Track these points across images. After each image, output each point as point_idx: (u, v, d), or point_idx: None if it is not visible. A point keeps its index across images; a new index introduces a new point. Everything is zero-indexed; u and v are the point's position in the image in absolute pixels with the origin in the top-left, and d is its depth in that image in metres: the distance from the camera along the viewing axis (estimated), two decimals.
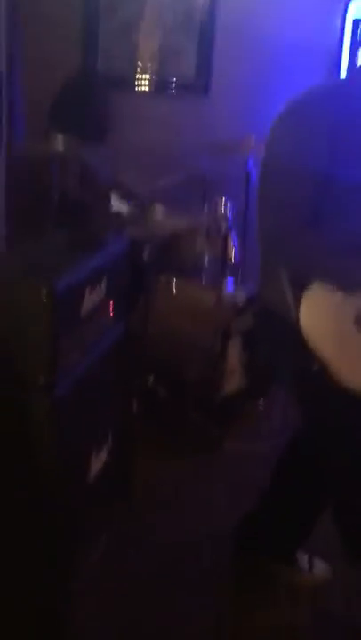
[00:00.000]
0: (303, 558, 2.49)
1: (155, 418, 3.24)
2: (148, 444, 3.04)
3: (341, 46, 4.13)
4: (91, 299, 2.16)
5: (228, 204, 3.67)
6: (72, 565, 2.15)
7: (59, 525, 2.02)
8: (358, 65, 4.10)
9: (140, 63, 4.32)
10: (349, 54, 4.13)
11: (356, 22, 4.09)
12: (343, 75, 4.14)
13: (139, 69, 4.33)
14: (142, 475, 2.82)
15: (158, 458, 3.08)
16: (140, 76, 4.34)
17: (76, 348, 2.05)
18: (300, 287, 1.86)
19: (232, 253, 3.67)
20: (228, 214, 3.67)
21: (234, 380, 3.40)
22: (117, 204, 3.84)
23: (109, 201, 3.73)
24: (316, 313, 1.85)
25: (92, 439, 2.28)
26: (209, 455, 3.17)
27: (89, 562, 2.31)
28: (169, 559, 2.51)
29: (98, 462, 2.30)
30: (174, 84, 4.35)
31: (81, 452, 2.19)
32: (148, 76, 4.34)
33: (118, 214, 3.73)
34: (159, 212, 3.36)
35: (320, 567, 2.50)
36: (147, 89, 4.34)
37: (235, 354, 3.38)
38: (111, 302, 2.35)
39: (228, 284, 3.53)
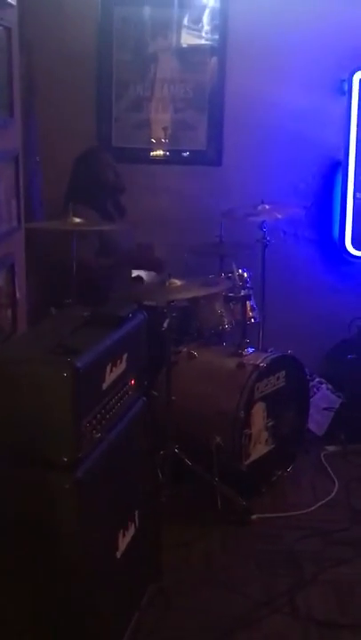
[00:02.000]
0: None
1: (181, 489, 3.20)
2: (176, 518, 3.00)
3: (350, 109, 4.20)
4: (112, 374, 2.17)
5: (245, 269, 3.71)
6: None
7: (87, 609, 1.98)
8: None
9: (153, 136, 4.45)
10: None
11: None
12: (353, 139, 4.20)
13: (153, 142, 4.45)
14: (170, 551, 2.76)
15: (186, 532, 3.03)
16: (154, 149, 4.46)
17: (98, 425, 2.05)
18: None
19: (252, 314, 3.69)
20: (246, 278, 3.70)
21: (260, 447, 3.36)
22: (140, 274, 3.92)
23: (130, 273, 3.80)
24: None
25: (119, 516, 2.26)
26: (238, 528, 3.11)
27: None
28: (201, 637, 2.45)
29: (125, 540, 2.27)
30: (187, 156, 4.45)
31: (107, 531, 2.16)
32: (161, 149, 4.46)
33: (140, 282, 3.79)
34: (177, 281, 3.38)
35: None
36: (161, 160, 4.45)
37: (259, 419, 3.36)
38: (132, 375, 2.36)
39: (250, 348, 3.53)
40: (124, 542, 2.26)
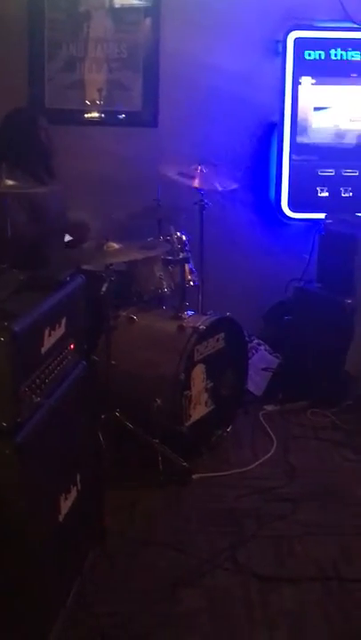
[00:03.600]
0: None
1: (122, 452, 3.22)
2: (118, 480, 3.02)
3: (284, 70, 4.20)
4: (51, 338, 2.15)
5: (183, 232, 3.71)
6: (45, 611, 2.11)
7: (29, 571, 1.98)
8: None
9: (87, 98, 4.37)
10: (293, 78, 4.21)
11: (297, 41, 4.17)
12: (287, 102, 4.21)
13: (87, 103, 4.37)
14: (113, 512, 2.78)
15: (128, 493, 3.05)
16: (89, 110, 4.38)
17: (37, 390, 2.04)
18: None
19: (191, 278, 3.70)
20: (184, 241, 3.70)
21: (200, 408, 3.40)
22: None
23: (63, 237, 3.74)
24: None
25: (60, 480, 2.26)
26: (179, 488, 3.14)
27: (62, 606, 2.28)
28: (145, 601, 2.48)
29: (67, 504, 2.28)
30: (123, 117, 4.39)
31: (49, 495, 2.16)
32: (96, 110, 4.39)
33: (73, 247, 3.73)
34: (115, 243, 3.35)
35: None
36: (96, 122, 4.38)
37: (199, 381, 3.39)
38: (72, 339, 2.35)
39: (189, 311, 3.55)
40: (66, 506, 2.27)
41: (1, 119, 3.79)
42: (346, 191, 4.33)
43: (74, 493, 2.35)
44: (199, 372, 3.37)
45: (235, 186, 3.95)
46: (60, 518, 2.23)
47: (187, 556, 2.70)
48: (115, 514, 2.83)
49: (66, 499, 2.27)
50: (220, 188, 3.87)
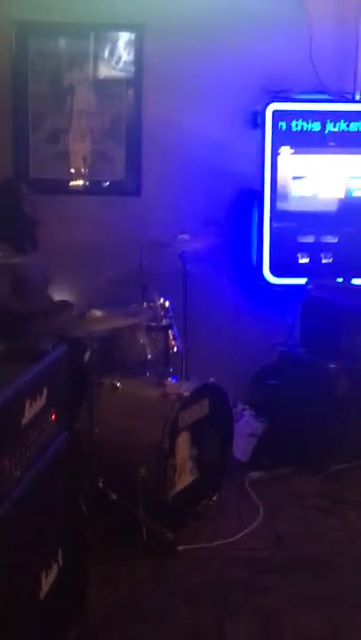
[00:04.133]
0: None
1: (106, 523, 3.15)
2: (101, 552, 2.95)
3: (264, 140, 4.30)
4: (31, 410, 2.12)
5: (167, 298, 3.73)
6: None
7: None
8: None
9: (72, 167, 4.45)
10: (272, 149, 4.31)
11: (276, 112, 4.28)
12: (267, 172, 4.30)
13: (72, 172, 4.45)
14: (96, 586, 2.72)
15: (112, 566, 2.98)
16: (74, 179, 4.46)
17: (18, 463, 2.00)
18: None
19: (174, 344, 3.70)
20: (167, 307, 3.72)
21: (185, 477, 3.35)
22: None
23: (46, 306, 3.75)
24: None
25: (41, 556, 2.20)
26: (164, 559, 3.07)
27: None
28: None
29: (49, 580, 2.21)
30: (107, 186, 4.47)
31: (29, 572, 2.10)
32: (81, 179, 4.46)
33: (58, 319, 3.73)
34: (98, 311, 3.37)
35: None
36: (80, 191, 4.45)
37: (184, 449, 3.35)
38: (53, 410, 2.32)
39: (173, 377, 3.54)
40: (47, 582, 2.21)
41: None
42: (326, 257, 4.39)
43: (55, 569, 2.28)
44: (184, 440, 3.33)
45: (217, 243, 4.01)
46: (42, 595, 2.17)
47: (172, 631, 2.62)
48: (98, 588, 2.76)
49: (47, 575, 2.21)
50: (198, 246, 3.91)
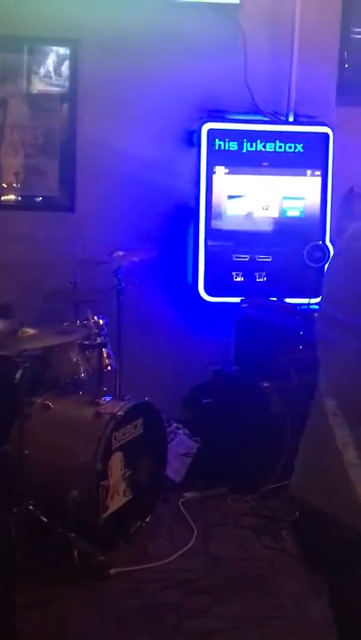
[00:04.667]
0: None
1: (37, 547, 3.06)
2: (31, 577, 2.87)
3: (199, 159, 4.31)
4: None
5: (101, 316, 3.68)
6: None
7: None
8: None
9: (3, 181, 4.37)
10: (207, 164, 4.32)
11: (211, 132, 4.30)
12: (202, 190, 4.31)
13: (3, 187, 4.36)
14: (25, 613, 2.63)
15: (42, 591, 2.90)
16: (5, 194, 4.38)
17: None
18: None
19: (108, 362, 3.65)
20: (102, 325, 3.67)
21: (117, 498, 3.29)
22: None
23: None
24: None
25: None
26: (96, 583, 3.01)
27: None
28: None
29: None
30: (40, 201, 4.40)
31: None
32: (12, 194, 4.38)
33: None
34: (30, 329, 3.29)
35: None
36: (12, 205, 4.37)
37: (117, 469, 3.30)
38: None
39: (107, 396, 3.48)
40: None
41: None
42: (260, 276, 4.41)
43: None
44: (117, 461, 3.28)
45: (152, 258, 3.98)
46: None
47: None
48: (27, 614, 2.69)
49: None
50: (135, 259, 3.87)
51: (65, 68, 4.33)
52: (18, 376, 3.10)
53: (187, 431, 4.15)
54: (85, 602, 2.91)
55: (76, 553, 3.04)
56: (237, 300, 4.23)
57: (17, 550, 2.87)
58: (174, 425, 4.16)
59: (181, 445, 4.06)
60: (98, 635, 2.71)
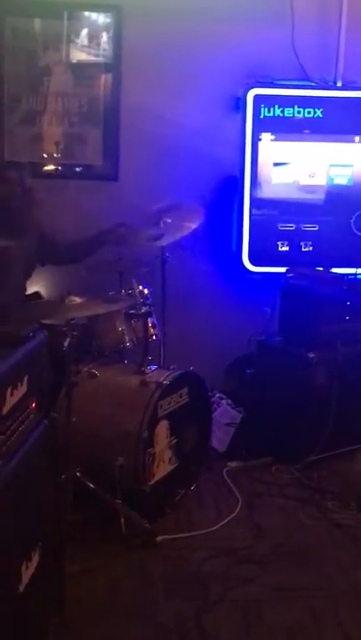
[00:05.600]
0: None
1: (84, 513, 3.09)
2: (79, 543, 2.90)
3: (244, 126, 4.25)
4: (12, 398, 2.06)
5: (145, 285, 3.67)
6: None
7: None
8: None
9: (45, 151, 4.35)
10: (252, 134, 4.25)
11: (257, 98, 4.23)
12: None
13: (45, 156, 4.35)
14: (74, 578, 2.66)
15: (90, 557, 2.93)
16: (47, 163, 4.36)
17: None
18: None
19: (153, 332, 3.64)
20: (147, 294, 3.65)
21: (163, 466, 3.30)
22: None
23: (24, 292, 3.68)
24: None
25: (22, 547, 2.14)
26: (143, 550, 3.03)
27: None
28: None
29: (28, 572, 2.15)
30: (82, 170, 4.38)
31: (9, 563, 2.04)
32: (53, 163, 4.37)
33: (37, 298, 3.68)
34: (76, 298, 3.29)
35: None
36: (53, 175, 4.36)
37: (163, 438, 3.30)
38: (34, 398, 2.26)
39: (152, 365, 3.48)
40: (27, 574, 2.15)
41: None
42: (306, 245, 4.36)
43: (35, 561, 2.22)
44: (163, 429, 3.29)
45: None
46: (21, 588, 2.11)
47: (152, 623, 2.58)
48: (75, 580, 2.70)
49: (27, 567, 2.15)
50: (178, 235, 3.83)
51: (107, 36, 4.28)
52: (66, 344, 3.11)
53: (230, 401, 4.15)
54: (132, 568, 2.93)
55: (122, 520, 3.07)
56: (282, 269, 4.18)
57: (65, 517, 2.91)
58: (217, 395, 4.15)
59: (225, 415, 4.06)
60: (145, 601, 2.72)
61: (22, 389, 2.14)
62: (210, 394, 3.80)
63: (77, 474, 3.13)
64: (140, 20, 4.21)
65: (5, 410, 2.01)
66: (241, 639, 2.51)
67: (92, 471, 3.16)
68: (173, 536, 3.13)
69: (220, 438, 3.94)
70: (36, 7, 4.22)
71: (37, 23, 4.24)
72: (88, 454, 3.17)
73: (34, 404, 2.26)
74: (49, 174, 4.39)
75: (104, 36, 4.29)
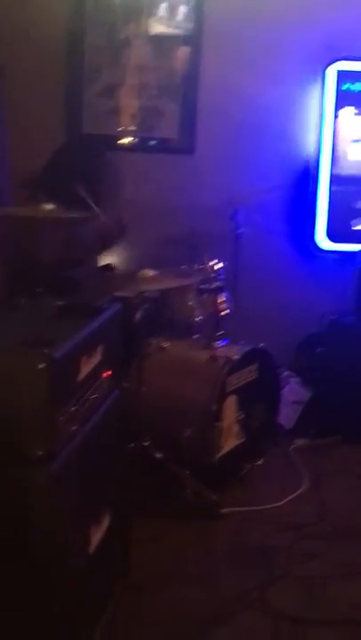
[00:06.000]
0: None
1: (151, 483, 3.15)
2: (146, 511, 2.96)
3: (323, 103, 4.18)
4: (87, 366, 2.11)
5: (218, 261, 3.67)
6: None
7: (60, 602, 1.93)
8: None
9: (121, 123, 4.38)
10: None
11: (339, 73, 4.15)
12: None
13: (120, 129, 4.38)
14: (141, 544, 2.72)
15: (156, 525, 2.99)
16: (122, 136, 4.39)
17: (73, 418, 2.00)
18: None
19: (224, 307, 3.65)
20: (219, 270, 3.66)
21: (230, 440, 3.33)
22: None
23: (97, 263, 3.74)
24: None
25: (92, 511, 2.21)
26: (207, 521, 3.07)
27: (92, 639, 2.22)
28: (173, 633, 2.41)
29: (97, 535, 2.22)
30: (158, 144, 4.39)
31: (81, 526, 2.11)
32: (129, 136, 4.39)
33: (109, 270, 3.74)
34: (149, 271, 3.33)
35: None
36: (129, 147, 4.38)
37: (231, 412, 3.33)
38: (107, 367, 2.31)
39: (222, 340, 3.50)
40: (96, 537, 2.21)
41: (39, 146, 3.83)
42: None
43: (104, 525, 2.29)
44: (231, 404, 3.31)
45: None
46: (91, 550, 2.18)
47: (215, 594, 2.63)
48: (141, 546, 2.76)
49: (96, 530, 2.22)
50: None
51: (187, 8, 4.25)
52: (137, 316, 3.16)
53: (298, 379, 4.14)
54: (196, 538, 2.98)
55: (188, 490, 3.11)
56: (358, 248, 4.12)
57: (133, 485, 2.97)
58: (286, 372, 4.15)
59: (293, 393, 4.06)
60: (208, 571, 2.77)
61: (96, 358, 2.19)
62: (279, 370, 3.80)
63: (146, 443, 3.19)
64: None
65: (80, 377, 2.06)
66: (305, 614, 2.53)
67: (159, 441, 3.22)
68: (238, 509, 3.17)
69: (287, 415, 3.94)
70: None
71: None
72: (157, 425, 3.22)
73: (107, 374, 2.31)
74: (124, 147, 4.41)
75: (184, 9, 4.26)
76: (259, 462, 3.52)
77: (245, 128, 4.28)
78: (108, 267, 3.92)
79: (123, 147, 4.38)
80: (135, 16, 4.27)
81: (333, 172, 4.24)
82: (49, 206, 3.24)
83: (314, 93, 4.25)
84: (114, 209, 3.75)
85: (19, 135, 3.95)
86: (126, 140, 4.40)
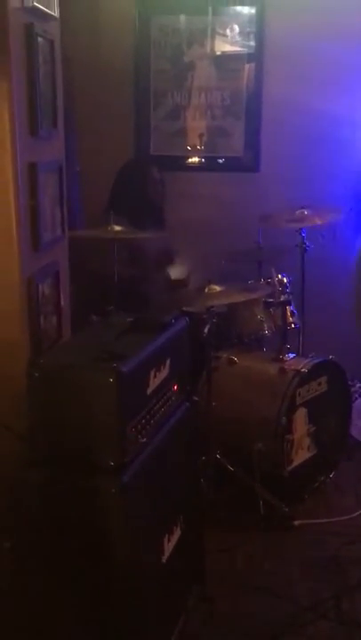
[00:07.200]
0: None
1: (223, 494, 3.20)
2: (218, 523, 3.00)
3: None
4: (156, 379, 2.18)
5: (285, 274, 3.71)
6: None
7: (133, 613, 1.99)
8: None
9: (189, 144, 4.48)
10: None
11: None
12: None
13: (188, 149, 4.47)
14: (213, 555, 2.77)
15: (228, 537, 3.03)
16: (190, 156, 4.48)
17: (143, 430, 2.07)
18: None
19: (292, 320, 3.68)
20: (286, 283, 3.69)
21: (302, 453, 3.35)
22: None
23: (165, 280, 3.83)
24: None
25: (164, 521, 2.27)
26: (280, 533, 3.09)
27: None
28: None
29: (170, 545, 2.28)
30: (224, 162, 4.47)
31: (153, 535, 2.17)
32: (197, 156, 4.48)
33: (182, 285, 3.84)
34: (216, 286, 3.39)
35: None
36: (197, 167, 4.47)
37: (301, 425, 3.35)
38: (175, 380, 2.38)
39: (291, 353, 3.52)
40: (169, 547, 2.28)
41: (108, 169, 3.97)
42: None
43: (177, 534, 2.35)
44: (301, 416, 3.33)
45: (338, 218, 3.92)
46: (164, 559, 2.24)
47: (289, 603, 2.65)
48: (214, 557, 2.81)
49: (169, 540, 2.28)
50: (319, 222, 3.82)
51: (251, 28, 4.32)
52: (206, 331, 3.22)
53: None
54: (270, 549, 3.00)
55: (261, 502, 3.14)
56: None
57: (204, 496, 3.03)
58: (359, 385, 4.13)
59: None
60: (282, 581, 2.79)
61: (165, 372, 2.26)
62: (350, 383, 3.79)
63: (217, 456, 3.24)
64: (283, 12, 4.22)
65: (149, 390, 2.14)
66: None
67: (231, 454, 3.26)
68: (312, 521, 3.17)
69: (359, 428, 3.92)
70: (181, 4, 4.34)
71: (183, 20, 4.36)
72: (227, 438, 3.27)
73: (175, 387, 2.38)
74: (192, 167, 4.51)
75: (247, 28, 4.34)
76: (331, 475, 3.52)
77: (311, 143, 4.30)
78: (180, 282, 4.01)
79: (192, 166, 4.47)
80: (199, 38, 4.38)
81: None
82: (117, 227, 3.36)
83: None
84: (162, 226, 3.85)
85: (90, 160, 4.11)
86: (195, 160, 4.49)
